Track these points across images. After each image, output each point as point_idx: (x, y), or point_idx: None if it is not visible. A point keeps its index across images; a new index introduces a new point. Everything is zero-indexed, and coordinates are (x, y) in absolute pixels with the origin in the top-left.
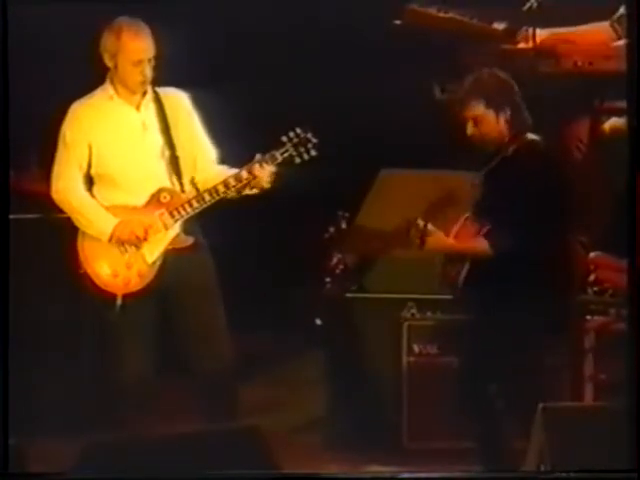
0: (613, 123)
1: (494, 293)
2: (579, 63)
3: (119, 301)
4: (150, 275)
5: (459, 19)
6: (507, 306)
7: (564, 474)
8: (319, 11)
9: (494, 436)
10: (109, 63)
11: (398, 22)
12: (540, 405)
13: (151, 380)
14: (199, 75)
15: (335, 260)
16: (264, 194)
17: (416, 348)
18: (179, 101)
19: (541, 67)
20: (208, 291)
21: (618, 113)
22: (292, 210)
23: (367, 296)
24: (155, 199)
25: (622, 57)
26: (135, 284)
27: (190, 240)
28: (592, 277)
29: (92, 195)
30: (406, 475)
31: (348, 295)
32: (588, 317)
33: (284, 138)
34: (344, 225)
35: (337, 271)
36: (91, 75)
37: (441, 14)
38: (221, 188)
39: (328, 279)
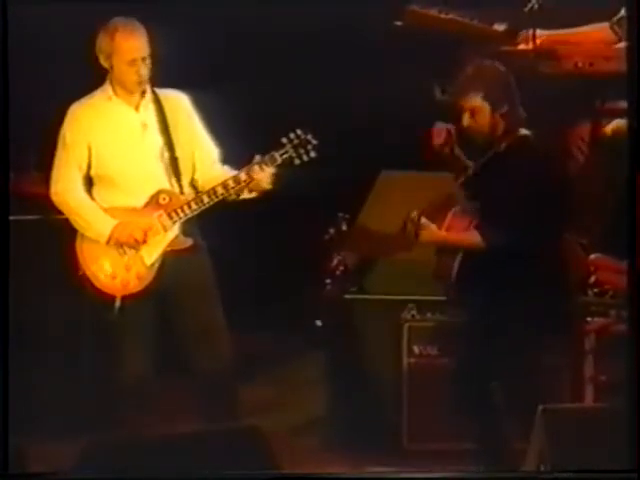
0: (615, 125)
1: (494, 295)
2: (580, 64)
3: (118, 303)
4: (149, 277)
5: (460, 20)
6: (507, 308)
7: (564, 474)
8: (319, 12)
9: (494, 437)
10: (105, 64)
11: (399, 23)
12: (540, 406)
13: (149, 381)
14: (199, 75)
15: (335, 261)
16: (265, 195)
17: (416, 349)
18: (179, 102)
19: (541, 68)
20: (206, 292)
21: (619, 114)
22: (292, 211)
23: (367, 297)
24: (154, 201)
25: (622, 58)
26: (134, 286)
27: (189, 242)
28: (592, 279)
29: (92, 196)
30: (406, 475)
31: (348, 296)
32: (588, 319)
33: (284, 139)
34: (344, 226)
35: (337, 272)
36: (91, 75)
37: (442, 15)
38: (220, 190)
39: (328, 280)
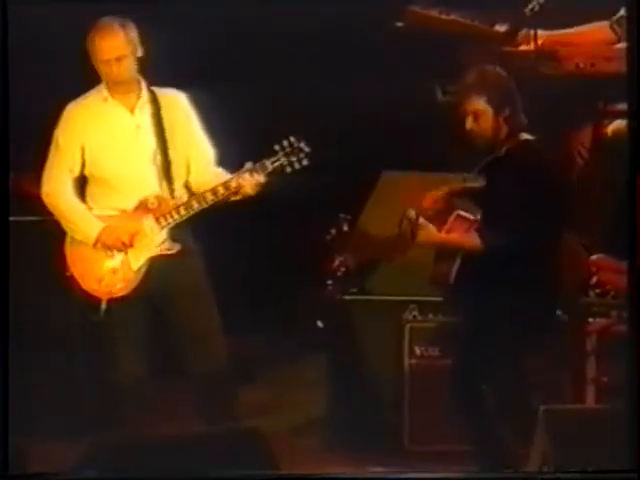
0: (616, 126)
1: (495, 296)
2: (581, 65)
3: (104, 305)
4: (135, 281)
5: (461, 21)
6: (508, 309)
7: (563, 474)
8: (319, 13)
9: (495, 438)
10: (94, 64)
11: (400, 24)
12: (542, 407)
13: (136, 385)
14: (197, 76)
15: (337, 262)
16: (266, 196)
17: (418, 350)
18: (177, 101)
19: (543, 69)
20: (194, 297)
21: (621, 115)
22: (294, 212)
23: (369, 298)
24: (143, 205)
25: (623, 58)
26: (120, 289)
27: (176, 247)
28: (594, 279)
29: (85, 196)
30: (407, 476)
31: (350, 297)
32: (590, 319)
33: (276, 146)
34: (346, 227)
35: (339, 273)
36: (91, 76)
37: (443, 16)
38: (210, 196)
39: (330, 281)
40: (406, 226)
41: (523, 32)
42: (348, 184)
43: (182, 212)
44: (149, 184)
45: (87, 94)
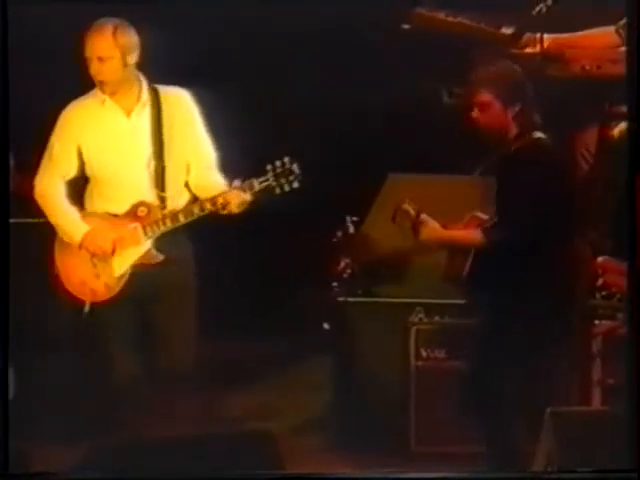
0: (622, 127)
1: (500, 298)
2: (587, 67)
3: (87, 308)
4: (116, 288)
5: (467, 23)
6: (513, 311)
7: (563, 474)
8: (324, 14)
9: (501, 440)
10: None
11: (406, 26)
12: (548, 409)
13: (113, 389)
14: (195, 76)
15: (343, 264)
16: (271, 198)
17: (424, 352)
18: (180, 101)
19: (549, 71)
20: (174, 307)
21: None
22: (299, 214)
23: (374, 300)
24: (133, 212)
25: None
26: (102, 294)
27: (160, 257)
28: (600, 281)
29: (84, 196)
30: (414, 475)
31: (355, 299)
32: (596, 322)
33: (268, 166)
34: (352, 230)
35: (344, 275)
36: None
37: (449, 18)
38: (196, 211)
39: (335, 283)
40: (401, 220)
41: (529, 35)
42: (354, 186)
43: (168, 224)
44: (142, 190)
45: (87, 95)
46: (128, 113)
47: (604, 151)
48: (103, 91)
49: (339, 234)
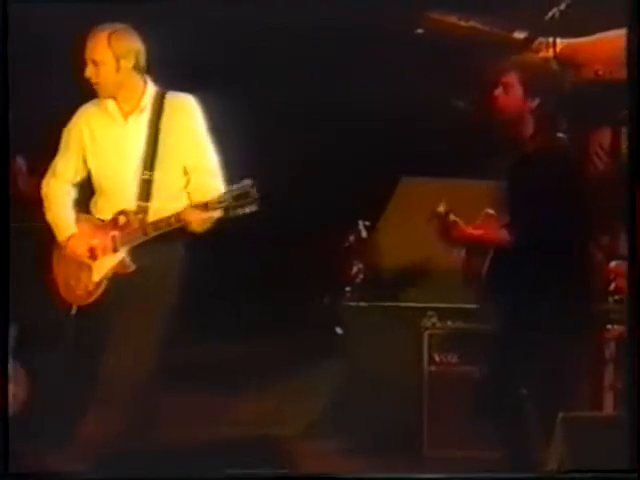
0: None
1: (512, 303)
2: (600, 72)
3: (73, 310)
4: (95, 294)
5: (480, 28)
6: (525, 315)
7: (563, 475)
8: (334, 20)
9: (513, 445)
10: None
11: (420, 31)
12: (560, 414)
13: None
14: (198, 79)
15: (355, 269)
16: (283, 202)
17: (437, 357)
18: (183, 106)
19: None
20: (144, 315)
21: None
22: (312, 219)
23: (387, 305)
24: (114, 220)
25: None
26: (84, 298)
27: (132, 267)
28: (612, 286)
29: (91, 200)
30: (426, 476)
31: (368, 304)
32: (609, 326)
33: (226, 188)
34: (364, 234)
35: (357, 280)
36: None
37: (462, 23)
38: (163, 226)
39: (348, 288)
40: (437, 224)
41: (542, 39)
42: (366, 190)
43: (140, 235)
44: (126, 199)
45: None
46: (125, 117)
47: (617, 155)
48: (99, 94)
49: (351, 238)
